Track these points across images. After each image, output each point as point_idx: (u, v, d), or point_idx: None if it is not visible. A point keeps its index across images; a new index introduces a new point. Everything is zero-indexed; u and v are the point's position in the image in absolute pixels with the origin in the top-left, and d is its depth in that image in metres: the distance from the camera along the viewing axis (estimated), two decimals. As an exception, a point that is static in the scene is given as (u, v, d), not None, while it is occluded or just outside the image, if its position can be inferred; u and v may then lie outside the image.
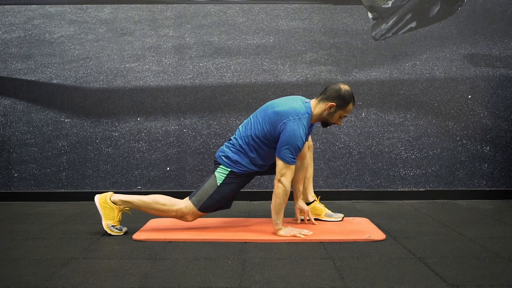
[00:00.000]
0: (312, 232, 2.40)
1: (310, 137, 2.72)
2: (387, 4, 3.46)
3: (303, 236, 2.33)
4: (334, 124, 2.51)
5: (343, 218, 2.75)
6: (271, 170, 2.55)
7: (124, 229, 2.47)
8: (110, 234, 2.41)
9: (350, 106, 2.43)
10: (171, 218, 2.62)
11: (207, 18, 3.50)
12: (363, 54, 3.50)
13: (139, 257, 2.04)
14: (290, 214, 2.81)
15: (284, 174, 2.32)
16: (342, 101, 2.40)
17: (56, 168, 3.51)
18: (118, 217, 2.43)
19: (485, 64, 3.51)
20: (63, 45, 3.50)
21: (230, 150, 2.46)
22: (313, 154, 3.26)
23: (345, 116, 2.50)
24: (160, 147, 3.51)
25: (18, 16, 3.49)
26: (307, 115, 2.36)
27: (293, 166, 2.34)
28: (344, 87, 2.42)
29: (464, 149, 3.52)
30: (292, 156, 2.30)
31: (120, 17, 3.50)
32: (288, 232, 2.36)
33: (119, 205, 2.44)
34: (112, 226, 2.42)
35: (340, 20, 3.50)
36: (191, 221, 2.50)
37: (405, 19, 3.48)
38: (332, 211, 2.80)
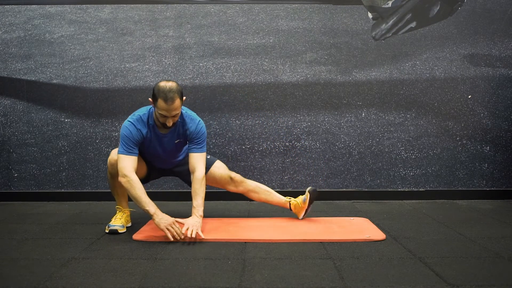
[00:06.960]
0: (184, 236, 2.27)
1: (215, 168, 2.64)
2: (387, 4, 3.45)
3: (170, 236, 2.25)
4: (166, 124, 2.33)
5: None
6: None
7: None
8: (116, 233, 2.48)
9: (160, 103, 2.24)
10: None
11: (207, 18, 3.50)
12: (363, 54, 3.50)
13: (139, 257, 2.04)
14: (287, 214, 2.83)
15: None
16: (153, 97, 2.30)
17: (56, 168, 3.51)
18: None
19: (485, 64, 3.50)
20: (63, 45, 3.50)
21: None
22: (312, 154, 3.26)
23: (165, 116, 2.29)
24: (160, 147, 3.50)
25: (18, 16, 3.49)
26: (138, 116, 2.41)
27: (119, 155, 2.36)
28: (162, 83, 2.29)
29: (464, 149, 3.52)
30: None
31: (120, 17, 3.50)
32: (159, 223, 2.28)
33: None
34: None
35: (340, 20, 3.50)
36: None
37: (405, 19, 3.47)
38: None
